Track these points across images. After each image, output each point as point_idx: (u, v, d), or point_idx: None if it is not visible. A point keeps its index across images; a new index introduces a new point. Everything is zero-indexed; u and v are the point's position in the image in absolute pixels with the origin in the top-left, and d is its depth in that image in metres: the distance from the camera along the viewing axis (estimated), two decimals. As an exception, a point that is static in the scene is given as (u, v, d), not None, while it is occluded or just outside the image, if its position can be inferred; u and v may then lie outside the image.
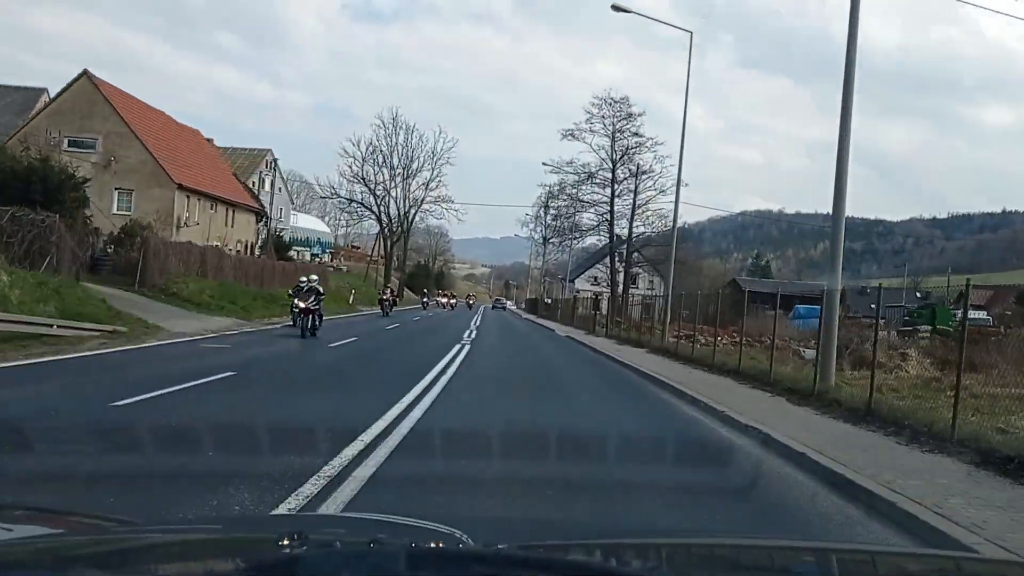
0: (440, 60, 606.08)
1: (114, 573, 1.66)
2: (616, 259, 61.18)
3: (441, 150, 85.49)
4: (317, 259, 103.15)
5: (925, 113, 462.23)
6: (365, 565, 1.66)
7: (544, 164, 55.96)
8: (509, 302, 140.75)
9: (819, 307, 16.06)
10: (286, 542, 1.98)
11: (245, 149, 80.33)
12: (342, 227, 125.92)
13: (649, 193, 58.72)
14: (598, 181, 59.60)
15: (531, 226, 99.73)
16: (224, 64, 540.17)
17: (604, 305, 53.05)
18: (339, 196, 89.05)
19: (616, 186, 59.39)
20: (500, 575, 1.62)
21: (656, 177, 57.84)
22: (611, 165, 59.16)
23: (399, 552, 1.72)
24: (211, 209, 44.87)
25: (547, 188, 64.21)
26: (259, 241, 52.17)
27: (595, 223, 60.75)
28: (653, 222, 59.16)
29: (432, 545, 1.94)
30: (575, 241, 61.43)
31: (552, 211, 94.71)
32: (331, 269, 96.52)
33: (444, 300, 56.21)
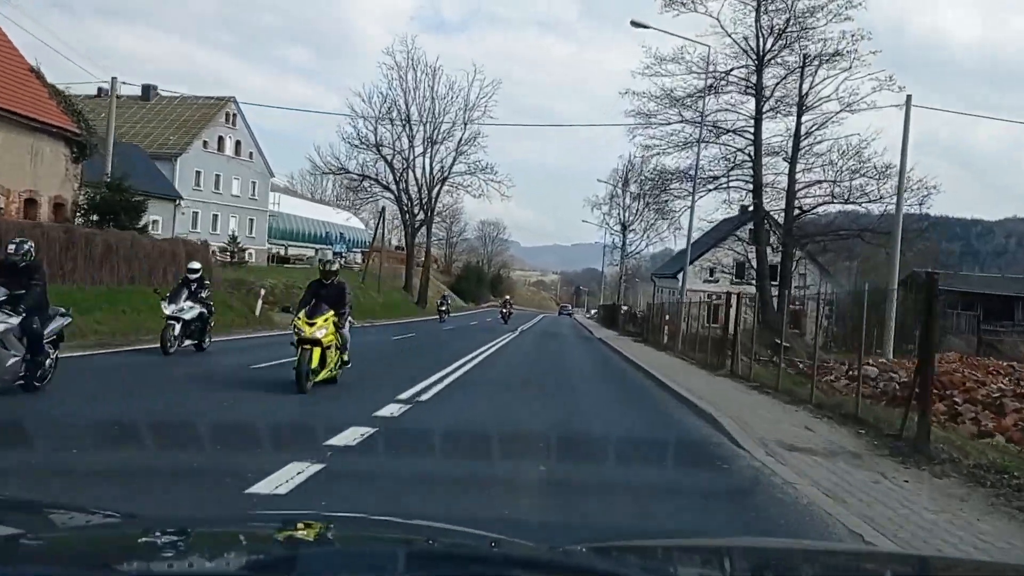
0: (508, 68, 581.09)
1: (112, 569, 1.60)
2: (760, 234, 32.32)
3: (477, 99, 57.79)
4: (340, 257, 78.43)
5: (1011, 109, 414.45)
6: (365, 564, 1.58)
7: (635, 24, 26.52)
8: (579, 310, 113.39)
9: None
10: (287, 540, 1.88)
11: (198, 98, 54.21)
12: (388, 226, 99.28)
13: (829, 107, 29.97)
14: (734, 84, 31.01)
15: (604, 208, 71.72)
16: (295, 78, 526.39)
17: (731, 314, 25.00)
18: (348, 172, 61.39)
19: (764, 100, 30.73)
20: (499, 575, 1.57)
21: (844, 74, 29.09)
22: (755, 59, 30.54)
23: (398, 552, 1.65)
24: None
25: (629, 150, 35.81)
26: (77, 194, 25.46)
27: (725, 167, 31.96)
28: (836, 163, 30.19)
29: (431, 545, 1.83)
30: (710, 189, 32.11)
31: (632, 189, 66.44)
32: (339, 265, 70.60)
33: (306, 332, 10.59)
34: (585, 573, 1.68)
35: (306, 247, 75.92)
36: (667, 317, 28.55)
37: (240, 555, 1.70)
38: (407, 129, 58.23)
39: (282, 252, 67.98)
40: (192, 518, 3.31)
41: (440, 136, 58.78)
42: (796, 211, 30.75)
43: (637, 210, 72.44)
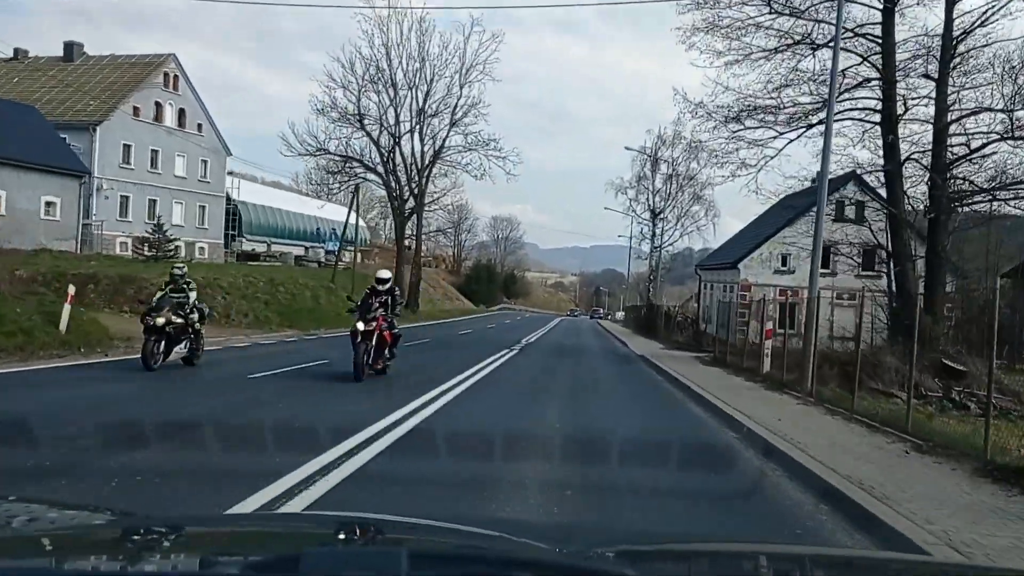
0: (522, 69, 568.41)
1: (112, 568, 1.55)
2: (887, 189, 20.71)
3: (476, 56, 46.38)
4: (331, 255, 68.16)
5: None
6: (367, 564, 1.50)
7: None
8: (602, 311, 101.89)
9: None
10: (289, 539, 1.85)
11: (132, 56, 43.35)
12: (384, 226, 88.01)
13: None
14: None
15: (631, 193, 60.69)
16: (312, 82, 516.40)
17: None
18: (328, 153, 49.92)
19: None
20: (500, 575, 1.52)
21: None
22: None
23: (400, 552, 1.57)
24: None
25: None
26: None
27: (822, 97, 20.21)
28: (1014, 77, 18.49)
29: (433, 544, 1.79)
30: (811, 125, 20.03)
31: (664, 167, 55.15)
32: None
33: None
34: (588, 574, 1.62)
35: (293, 244, 65.56)
36: (769, 325, 16.65)
37: (243, 555, 1.62)
38: (393, 98, 47.02)
39: (261, 248, 57.35)
40: (194, 518, 3.17)
41: (433, 106, 47.53)
42: (950, 156, 19.20)
43: (669, 193, 61.17)
